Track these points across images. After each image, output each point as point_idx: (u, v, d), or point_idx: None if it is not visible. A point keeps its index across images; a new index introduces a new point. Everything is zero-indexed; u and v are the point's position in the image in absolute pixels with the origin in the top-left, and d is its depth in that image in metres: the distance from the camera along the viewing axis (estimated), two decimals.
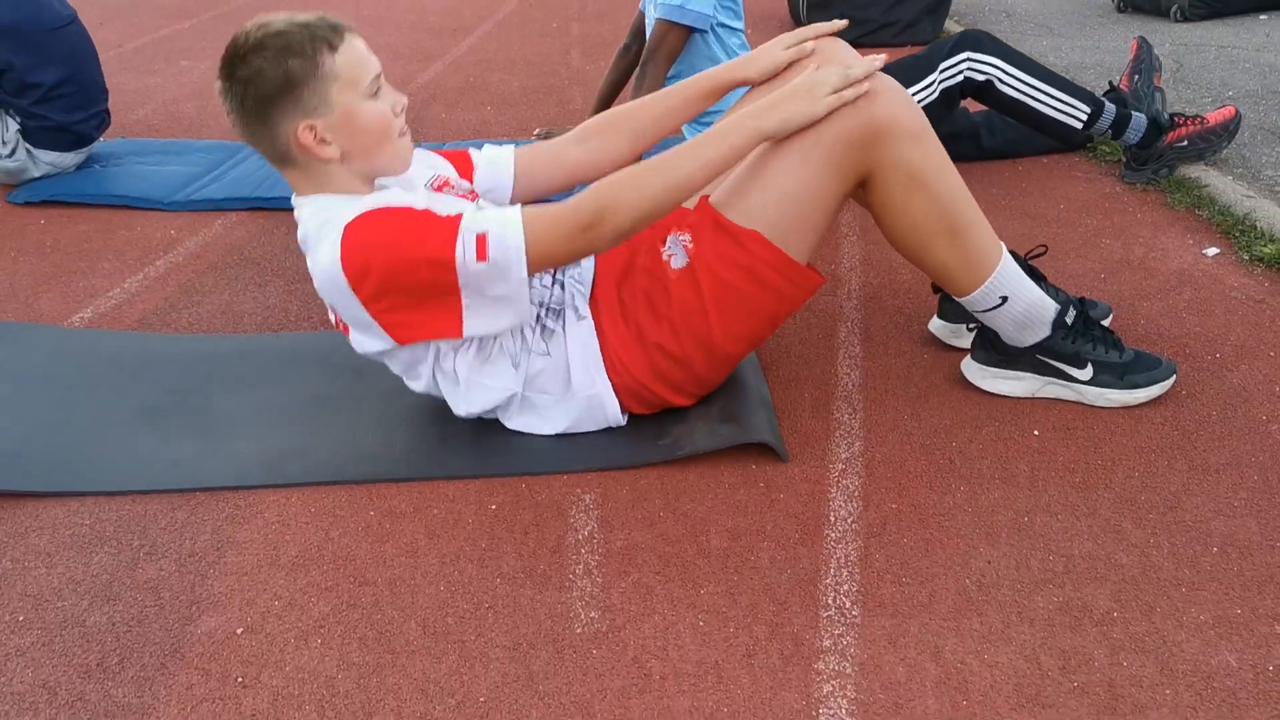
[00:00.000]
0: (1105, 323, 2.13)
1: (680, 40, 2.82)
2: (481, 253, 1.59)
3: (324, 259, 1.62)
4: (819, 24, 1.87)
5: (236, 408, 1.96)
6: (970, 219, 1.75)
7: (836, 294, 2.36)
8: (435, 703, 1.32)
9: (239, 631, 1.44)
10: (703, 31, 2.84)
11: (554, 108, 3.98)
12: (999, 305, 1.80)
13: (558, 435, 1.83)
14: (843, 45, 1.92)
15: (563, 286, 1.82)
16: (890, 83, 1.68)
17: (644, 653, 1.39)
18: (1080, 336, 1.84)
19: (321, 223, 1.64)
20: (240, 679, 1.37)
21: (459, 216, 1.61)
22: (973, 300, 1.81)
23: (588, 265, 1.85)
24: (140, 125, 3.88)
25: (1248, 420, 1.82)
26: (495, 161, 1.93)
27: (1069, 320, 1.83)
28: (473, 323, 1.67)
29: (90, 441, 1.88)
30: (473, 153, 1.94)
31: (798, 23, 4.98)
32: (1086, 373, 1.85)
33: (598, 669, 1.36)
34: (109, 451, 1.85)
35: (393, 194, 1.69)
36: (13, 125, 3.08)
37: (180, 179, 3.17)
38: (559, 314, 1.79)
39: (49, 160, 3.16)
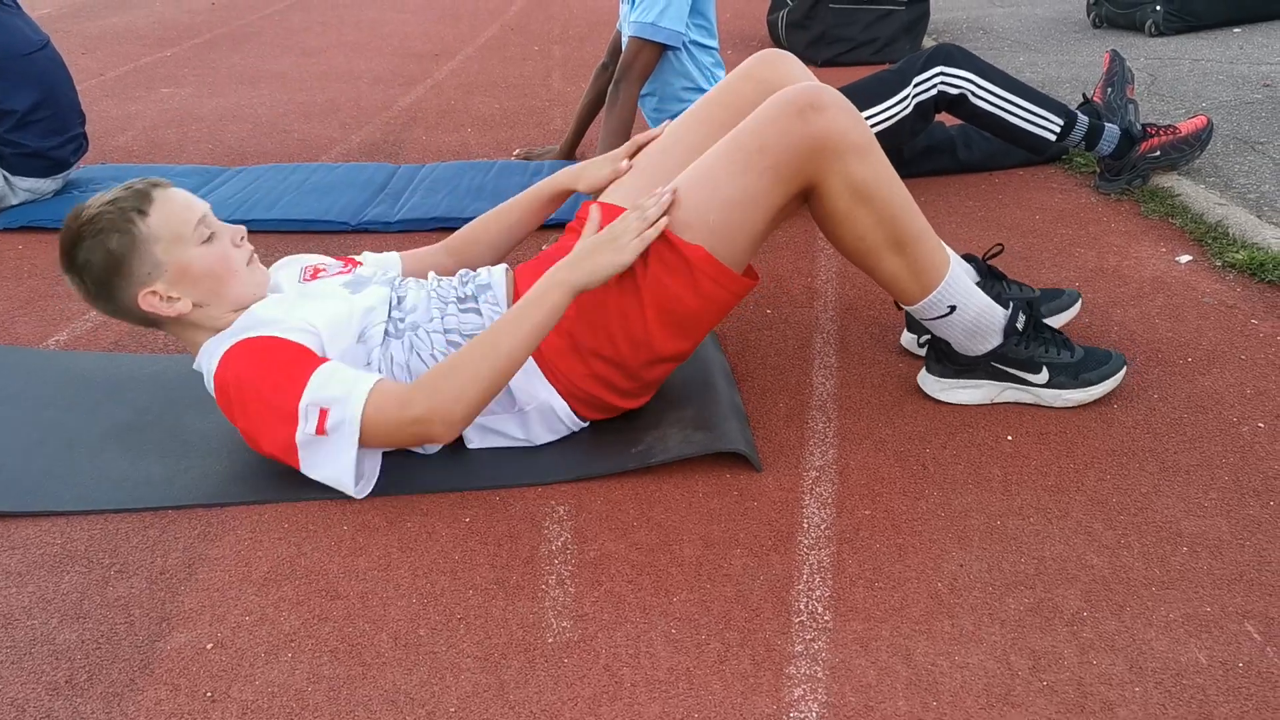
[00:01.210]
0: (1074, 310, 2.13)
1: (653, 58, 2.84)
2: (320, 427, 1.65)
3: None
4: (642, 136, 2.02)
5: (211, 426, 1.96)
6: (916, 230, 1.76)
7: (813, 305, 2.37)
8: (405, 713, 1.31)
9: (209, 647, 1.44)
10: (675, 49, 2.87)
11: (534, 129, 4.00)
12: (947, 314, 1.81)
13: (530, 448, 1.83)
14: (790, 59, 1.96)
15: (479, 313, 1.82)
16: (836, 97, 1.70)
17: (615, 661, 1.38)
18: (1032, 341, 1.85)
19: (206, 371, 1.75)
20: (209, 694, 1.36)
21: (313, 367, 1.66)
22: (920, 309, 1.82)
23: (499, 285, 1.86)
24: (121, 152, 3.89)
25: (1219, 422, 1.83)
26: (382, 261, 2.04)
27: (1019, 326, 1.84)
28: (310, 469, 1.71)
29: (63, 462, 1.87)
30: (354, 256, 2.04)
31: (776, 42, 5.02)
32: (1042, 376, 1.86)
33: (569, 678, 1.36)
34: (81, 471, 1.84)
35: (262, 311, 1.75)
36: None
37: None
38: None
39: (26, 186, 3.16)
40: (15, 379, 2.17)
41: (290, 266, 1.93)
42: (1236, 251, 2.42)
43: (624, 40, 2.97)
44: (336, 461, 1.68)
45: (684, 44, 2.88)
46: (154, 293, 1.71)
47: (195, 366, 1.80)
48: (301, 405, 1.64)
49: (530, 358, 1.76)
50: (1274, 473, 1.69)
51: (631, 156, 1.99)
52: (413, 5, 7.13)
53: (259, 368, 1.67)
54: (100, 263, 1.69)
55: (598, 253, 1.69)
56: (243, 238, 1.78)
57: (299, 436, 1.66)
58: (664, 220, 1.70)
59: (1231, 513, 1.60)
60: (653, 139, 2.00)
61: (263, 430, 1.68)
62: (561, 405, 1.80)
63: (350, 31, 6.26)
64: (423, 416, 1.64)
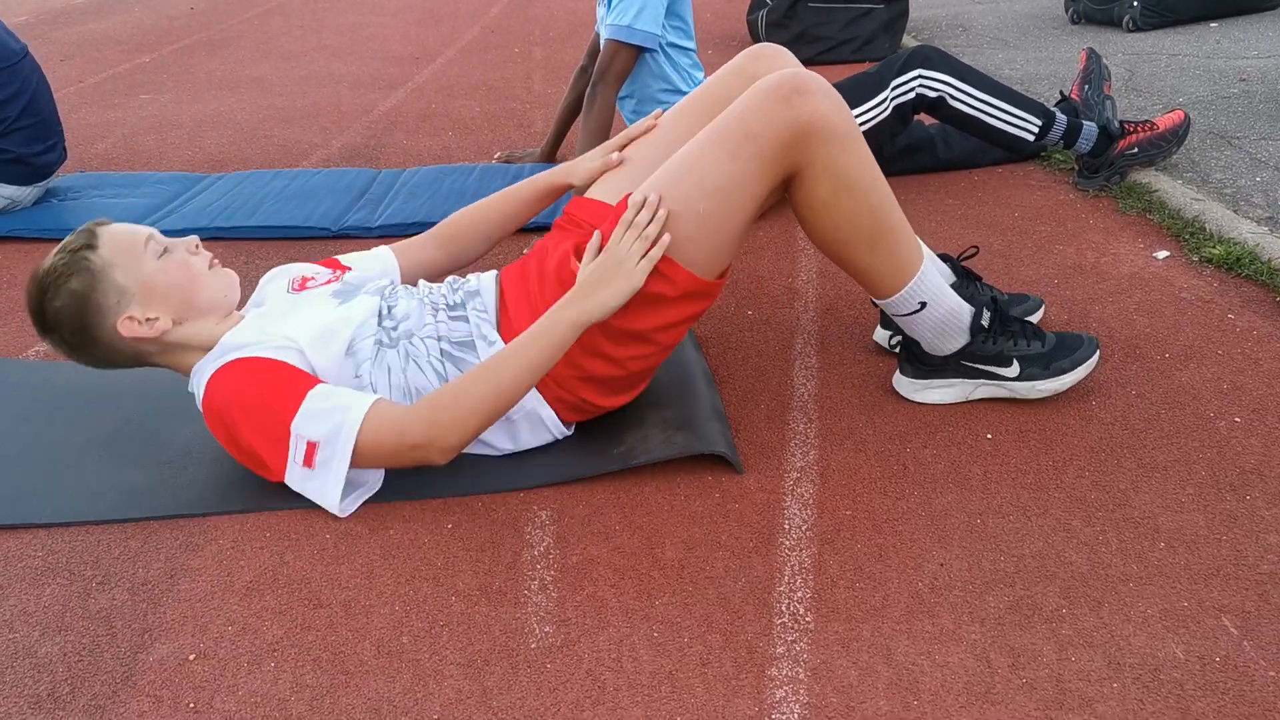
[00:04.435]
0: (1036, 317, 2.15)
1: (630, 60, 2.85)
2: (309, 460, 1.66)
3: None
4: (634, 127, 2.02)
5: (192, 436, 1.96)
6: (894, 223, 1.76)
7: (794, 306, 2.37)
8: None
9: (191, 658, 1.44)
10: (652, 51, 2.87)
11: (515, 132, 4.00)
12: (918, 310, 1.82)
13: (511, 454, 1.83)
14: (783, 54, 1.96)
15: (467, 320, 1.80)
16: (823, 84, 1.69)
17: (598, 665, 1.39)
18: (1000, 335, 1.86)
19: (198, 394, 1.76)
20: (192, 705, 1.36)
21: (304, 392, 1.65)
22: (892, 304, 1.83)
23: (488, 291, 1.84)
24: (100, 159, 3.87)
25: (1195, 417, 1.84)
26: (378, 256, 2.04)
27: (985, 323, 1.85)
28: (295, 487, 1.72)
29: (44, 473, 1.86)
30: (340, 258, 2.03)
31: (756, 42, 5.02)
32: (1013, 370, 1.87)
33: (551, 683, 1.36)
34: (63, 483, 1.84)
35: (239, 336, 1.74)
36: None
37: (139, 211, 3.16)
38: (469, 345, 1.79)
39: (6, 194, 3.14)
40: None
41: (278, 279, 1.93)
42: (1213, 246, 2.44)
43: (601, 42, 2.98)
44: (322, 490, 1.69)
45: (661, 46, 2.89)
46: (130, 318, 1.73)
47: (189, 389, 1.80)
48: (292, 431, 1.64)
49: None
50: (1250, 467, 1.70)
51: (622, 149, 1.99)
52: (392, 8, 7.12)
53: (247, 392, 1.67)
54: (70, 308, 1.71)
55: (607, 282, 1.67)
56: (197, 246, 1.80)
57: (289, 466, 1.67)
58: (666, 238, 1.67)
59: (1208, 508, 1.62)
60: (645, 131, 2.00)
61: (254, 454, 1.69)
62: (549, 413, 1.79)
63: (330, 35, 6.25)
64: (420, 444, 1.64)
